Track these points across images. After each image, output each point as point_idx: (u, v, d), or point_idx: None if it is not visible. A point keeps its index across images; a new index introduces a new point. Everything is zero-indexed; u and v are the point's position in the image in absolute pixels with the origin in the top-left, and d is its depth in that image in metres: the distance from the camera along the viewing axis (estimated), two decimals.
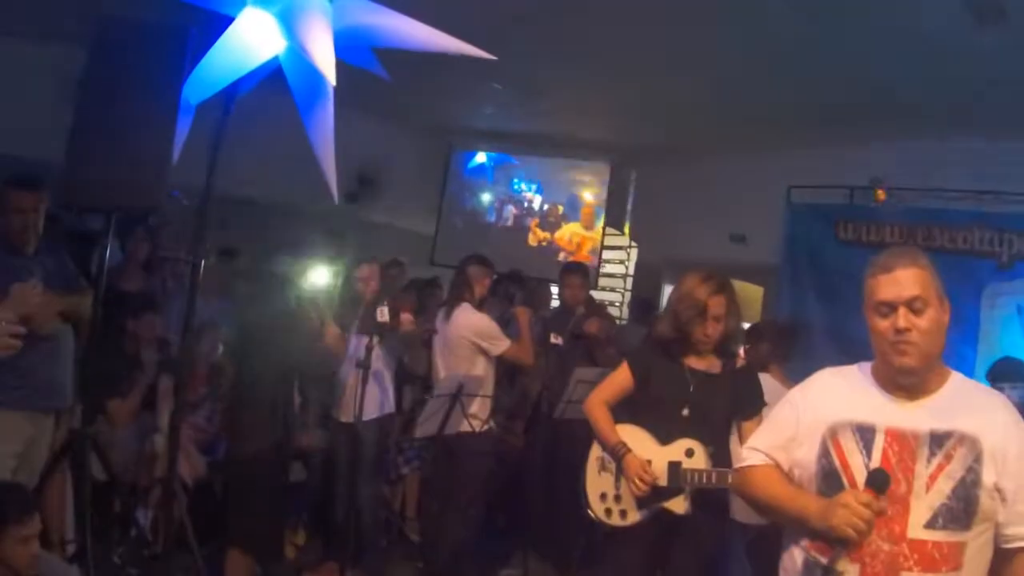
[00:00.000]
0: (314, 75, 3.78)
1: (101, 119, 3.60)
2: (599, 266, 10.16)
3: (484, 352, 5.56)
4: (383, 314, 5.13)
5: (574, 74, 7.54)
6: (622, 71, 7.18)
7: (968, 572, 2.17)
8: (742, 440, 3.74)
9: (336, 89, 3.84)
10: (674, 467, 3.66)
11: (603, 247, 10.32)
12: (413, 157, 10.33)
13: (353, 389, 5.27)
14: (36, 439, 4.08)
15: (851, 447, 2.28)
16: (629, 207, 10.67)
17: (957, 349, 6.60)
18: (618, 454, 3.77)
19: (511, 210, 10.64)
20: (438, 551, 5.47)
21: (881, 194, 7.86)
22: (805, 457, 2.36)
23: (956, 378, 2.33)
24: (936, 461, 2.19)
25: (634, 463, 3.69)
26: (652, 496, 3.68)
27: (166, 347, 5.76)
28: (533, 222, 10.52)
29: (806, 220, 8.25)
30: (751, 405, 3.83)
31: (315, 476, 5.98)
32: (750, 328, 5.43)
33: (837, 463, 2.29)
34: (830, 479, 2.29)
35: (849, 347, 6.74)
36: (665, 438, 3.75)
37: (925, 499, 2.18)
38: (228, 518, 4.83)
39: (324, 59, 3.55)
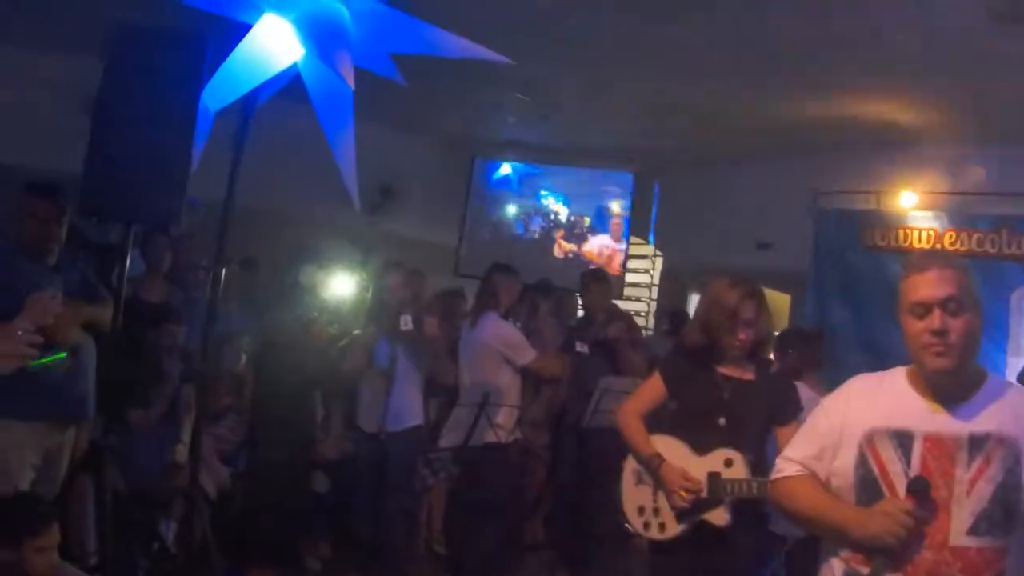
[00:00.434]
0: (333, 82, 3.76)
1: (119, 128, 3.58)
2: (624, 275, 10.09)
3: (510, 362, 5.51)
4: (407, 323, 5.09)
5: (594, 82, 7.52)
6: (643, 77, 7.15)
7: None
8: (780, 447, 3.65)
9: (356, 102, 3.81)
10: (713, 478, 3.57)
11: (628, 256, 10.26)
12: (435, 168, 10.34)
13: (377, 399, 5.23)
14: (56, 450, 4.07)
15: (889, 454, 2.22)
16: (653, 215, 10.60)
17: (987, 354, 6.49)
18: (653, 466, 3.69)
19: (538, 222, 10.58)
20: (464, 563, 5.41)
21: (907, 198, 7.77)
22: (842, 466, 2.30)
23: (993, 380, 2.28)
24: (975, 465, 2.14)
25: (672, 473, 3.61)
26: (691, 508, 3.59)
27: (188, 357, 5.74)
28: (558, 234, 10.46)
29: (833, 226, 8.18)
30: (788, 410, 3.73)
31: (339, 487, 5.94)
32: (779, 336, 5.35)
33: (876, 471, 2.23)
34: (869, 488, 2.23)
35: (878, 354, 6.72)
36: (702, 448, 3.65)
37: (966, 505, 2.12)
38: (249, 529, 4.80)
39: (342, 64, 3.52)
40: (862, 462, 2.25)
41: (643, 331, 8.44)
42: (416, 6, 3.92)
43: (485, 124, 9.52)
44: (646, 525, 3.76)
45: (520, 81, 7.35)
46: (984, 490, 2.12)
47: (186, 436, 5.25)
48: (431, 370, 5.89)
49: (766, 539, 4.00)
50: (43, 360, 2.71)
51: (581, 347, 6.08)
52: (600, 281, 6.62)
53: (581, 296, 6.82)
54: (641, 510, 3.79)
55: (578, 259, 10.21)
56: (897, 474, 2.19)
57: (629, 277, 10.41)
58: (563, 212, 10.52)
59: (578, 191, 10.51)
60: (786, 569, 4.57)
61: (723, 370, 3.76)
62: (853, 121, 7.41)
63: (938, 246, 7.37)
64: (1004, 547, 2.10)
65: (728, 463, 3.59)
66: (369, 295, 5.78)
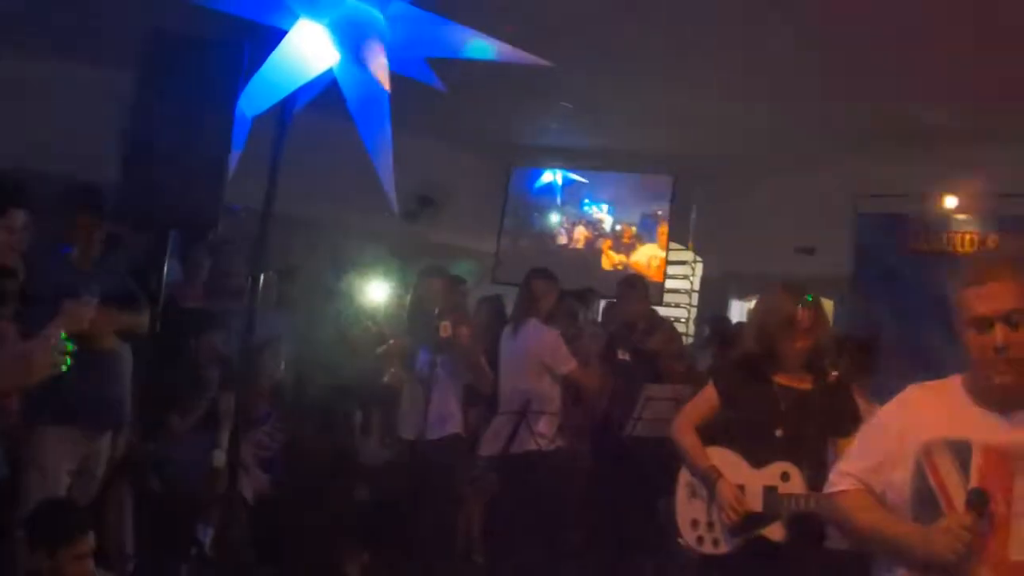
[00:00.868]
0: (369, 85, 3.74)
1: (156, 136, 3.58)
2: (663, 282, 9.97)
3: (550, 369, 5.44)
4: (446, 329, 5.04)
5: (631, 88, 7.48)
6: (682, 82, 7.09)
7: None
8: None
9: (393, 110, 3.79)
10: (770, 492, 3.48)
11: (667, 262, 10.15)
12: (472, 176, 10.32)
13: (417, 407, 5.20)
14: (92, 456, 4.09)
15: (947, 467, 2.14)
16: (692, 221, 10.49)
17: None
18: (710, 480, 3.60)
19: (581, 231, 10.48)
20: (503, 573, 5.35)
21: (950, 201, 7.62)
22: (899, 480, 2.22)
23: None
24: None
25: (726, 491, 3.53)
26: (747, 523, 3.50)
27: (227, 364, 5.75)
28: (605, 244, 10.32)
29: (875, 230, 8.04)
30: (848, 422, 3.57)
31: (378, 494, 5.92)
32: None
33: (933, 484, 2.15)
34: (926, 502, 2.15)
35: (924, 361, 6.57)
36: (758, 461, 3.56)
37: None
38: (287, 536, 4.79)
39: (378, 66, 3.50)
40: (919, 475, 2.17)
41: (684, 338, 8.33)
42: (453, 12, 3.90)
43: (522, 131, 9.49)
44: (699, 539, 3.67)
45: (558, 87, 7.31)
46: None
47: (225, 442, 5.25)
48: (470, 378, 5.85)
49: (825, 556, 3.90)
50: None
51: (623, 355, 6.01)
52: (637, 288, 6.53)
53: (619, 303, 6.71)
54: (695, 524, 3.70)
55: (628, 271, 9.82)
56: (955, 486, 2.11)
57: (669, 283, 10.28)
58: (607, 221, 10.40)
59: (621, 198, 10.35)
60: None
61: (780, 380, 3.66)
62: (894, 123, 7.29)
63: (983, 249, 7.18)
64: None
65: (785, 477, 3.49)
66: (408, 302, 5.74)
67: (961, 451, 2.13)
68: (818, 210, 8.51)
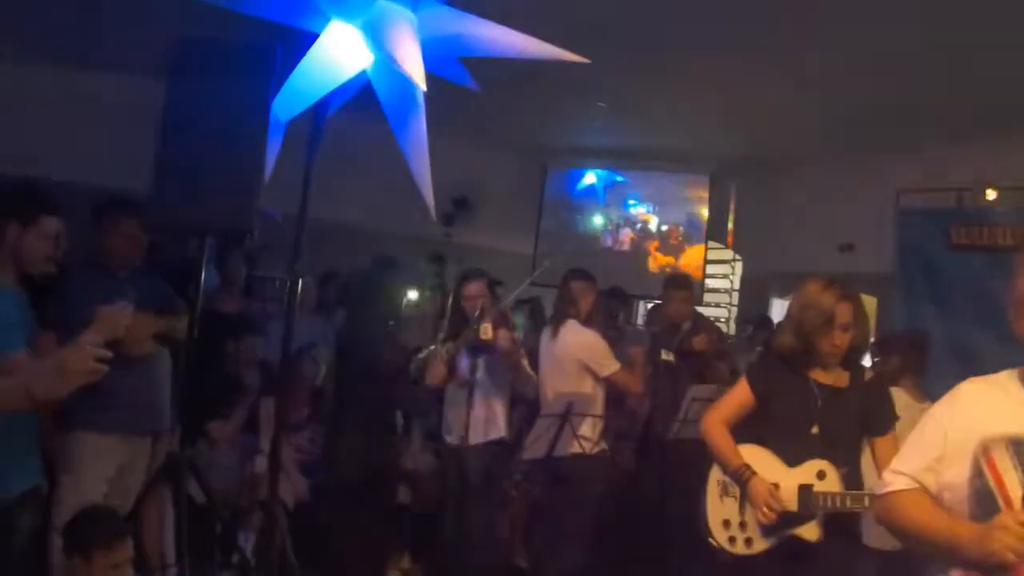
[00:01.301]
0: (404, 86, 3.70)
1: (189, 142, 3.56)
2: (703, 281, 9.86)
3: (592, 371, 5.38)
4: (487, 331, 5.00)
5: (667, 86, 7.43)
6: (720, 81, 7.03)
7: None
8: (875, 459, 3.48)
9: (428, 113, 3.75)
10: (805, 491, 3.40)
11: (707, 261, 10.03)
12: (508, 177, 10.27)
13: (459, 411, 5.16)
14: (130, 463, 4.09)
15: (1006, 464, 2.05)
16: (731, 219, 10.36)
17: None
18: (742, 478, 3.52)
19: (626, 233, 10.37)
20: None
21: (992, 194, 7.46)
22: (955, 478, 2.14)
23: None
24: None
25: (760, 488, 3.45)
26: (781, 522, 3.42)
27: (267, 369, 5.76)
28: (652, 245, 10.22)
29: (917, 226, 7.88)
30: (884, 420, 3.54)
31: (421, 499, 5.89)
32: (878, 340, 5.14)
33: (992, 482, 2.06)
34: (984, 501, 2.07)
35: (966, 356, 6.42)
36: (793, 459, 3.48)
37: None
38: (329, 541, 4.77)
39: (412, 65, 3.46)
40: (977, 473, 2.09)
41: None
42: (485, 12, 3.85)
43: (558, 131, 9.43)
44: (731, 540, 3.60)
45: (593, 85, 7.26)
46: None
47: (265, 447, 5.26)
48: (512, 380, 5.81)
49: (860, 555, 3.81)
50: None
51: (667, 355, 5.93)
52: (682, 288, 6.44)
53: (663, 303, 6.62)
54: (727, 524, 3.63)
55: (675, 271, 9.68)
56: (1014, 484, 2.03)
57: (709, 283, 10.17)
58: (653, 221, 10.30)
59: (663, 198, 10.24)
60: None
61: (817, 376, 3.59)
62: (933, 116, 7.18)
63: None
64: None
65: (821, 475, 3.42)
66: (448, 305, 5.71)
67: (1020, 447, 2.06)
68: (858, 206, 8.43)
